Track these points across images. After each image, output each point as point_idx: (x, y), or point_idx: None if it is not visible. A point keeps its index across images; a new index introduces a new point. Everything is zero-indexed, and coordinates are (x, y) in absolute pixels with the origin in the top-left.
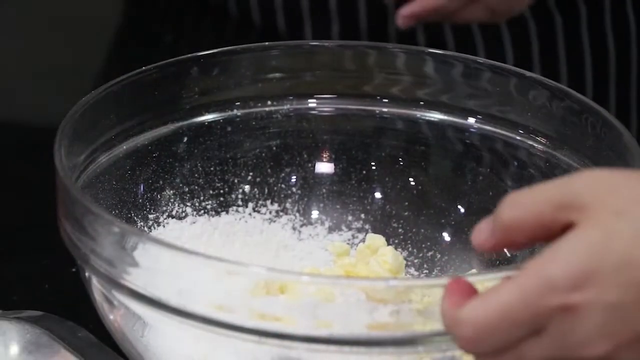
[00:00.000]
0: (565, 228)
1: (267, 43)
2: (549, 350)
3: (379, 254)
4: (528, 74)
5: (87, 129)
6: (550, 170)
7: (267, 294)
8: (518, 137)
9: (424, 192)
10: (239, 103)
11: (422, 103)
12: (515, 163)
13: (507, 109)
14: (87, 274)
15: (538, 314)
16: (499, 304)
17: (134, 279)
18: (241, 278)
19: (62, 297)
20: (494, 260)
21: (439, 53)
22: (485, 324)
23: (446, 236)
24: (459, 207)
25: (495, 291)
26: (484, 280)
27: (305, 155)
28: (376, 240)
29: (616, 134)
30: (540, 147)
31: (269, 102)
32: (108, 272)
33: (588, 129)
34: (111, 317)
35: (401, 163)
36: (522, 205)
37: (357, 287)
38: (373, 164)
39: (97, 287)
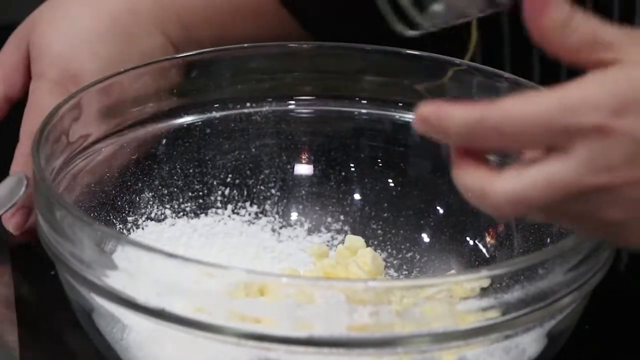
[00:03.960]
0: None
1: (245, 45)
2: (573, 172)
3: (358, 256)
4: (506, 74)
5: (65, 131)
6: None
7: (246, 296)
8: None
9: (403, 193)
10: (217, 105)
11: (400, 104)
12: (495, 164)
13: None
14: (66, 277)
15: (575, 127)
16: (538, 111)
17: (113, 281)
18: (220, 280)
19: (41, 299)
20: (473, 261)
21: (418, 55)
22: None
23: (425, 237)
24: (438, 208)
25: (535, 103)
26: (463, 281)
27: (284, 157)
28: (355, 241)
29: None
30: None
31: (248, 104)
32: (87, 275)
33: None
34: (90, 319)
35: (380, 164)
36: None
37: (337, 288)
38: (352, 165)
39: (75, 290)
